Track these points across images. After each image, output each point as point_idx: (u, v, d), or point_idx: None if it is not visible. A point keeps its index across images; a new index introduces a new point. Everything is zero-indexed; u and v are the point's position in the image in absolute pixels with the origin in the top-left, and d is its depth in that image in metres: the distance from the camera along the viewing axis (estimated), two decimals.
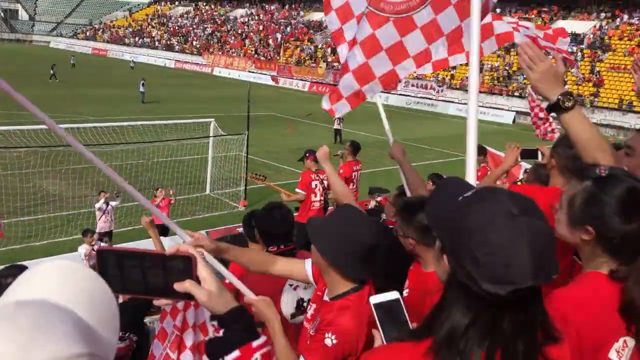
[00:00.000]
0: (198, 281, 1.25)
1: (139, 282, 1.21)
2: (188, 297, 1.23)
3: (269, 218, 3.25)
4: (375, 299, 1.48)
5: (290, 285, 2.94)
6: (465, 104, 40.49)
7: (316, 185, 8.64)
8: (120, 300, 7.32)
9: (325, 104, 4.06)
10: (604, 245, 1.63)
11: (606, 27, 43.48)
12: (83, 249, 8.74)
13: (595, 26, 44.17)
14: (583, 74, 39.33)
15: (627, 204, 1.58)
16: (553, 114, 2.11)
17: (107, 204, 10.74)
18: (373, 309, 1.47)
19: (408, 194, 3.62)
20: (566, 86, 4.13)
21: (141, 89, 32.23)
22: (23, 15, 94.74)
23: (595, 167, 1.71)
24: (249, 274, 2.93)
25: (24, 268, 3.62)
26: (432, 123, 33.98)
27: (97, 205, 10.74)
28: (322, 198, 8.75)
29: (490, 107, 39.73)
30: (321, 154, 3.36)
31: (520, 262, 1.09)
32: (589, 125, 2.06)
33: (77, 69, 50.06)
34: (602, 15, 44.94)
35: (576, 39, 43.28)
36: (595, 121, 34.70)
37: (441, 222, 1.26)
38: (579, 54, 41.53)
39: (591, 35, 43.04)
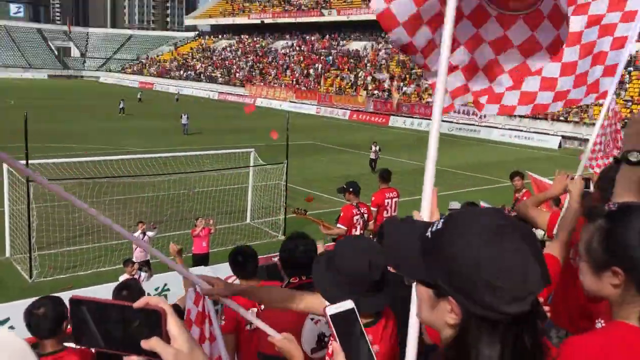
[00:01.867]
0: (167, 338, 1.13)
1: (105, 335, 1.12)
2: (155, 355, 1.12)
3: (291, 248, 3.17)
4: (331, 309, 1.41)
5: (312, 319, 2.85)
6: (510, 129, 39.90)
7: (357, 219, 8.53)
8: None
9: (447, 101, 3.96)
10: (637, 286, 1.44)
11: None
12: (123, 278, 8.81)
13: None
14: (632, 96, 38.14)
15: None
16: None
17: (144, 234, 10.90)
18: (329, 320, 1.39)
19: None
20: (606, 107, 3.99)
21: (184, 121, 32.97)
22: (75, 52, 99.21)
23: (600, 205, 1.58)
24: (269, 309, 2.87)
25: (56, 299, 3.62)
26: (476, 149, 33.47)
27: (135, 235, 10.89)
28: (362, 232, 8.65)
29: (535, 132, 38.92)
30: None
31: (533, 270, 1.07)
32: None
33: (144, 103, 51.79)
34: None
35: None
36: None
37: (426, 268, 1.15)
38: (627, 76, 40.42)
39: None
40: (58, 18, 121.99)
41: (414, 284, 1.23)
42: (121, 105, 42.46)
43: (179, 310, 4.19)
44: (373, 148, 23.66)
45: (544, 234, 7.59)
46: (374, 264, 2.09)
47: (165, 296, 9.87)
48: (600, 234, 1.49)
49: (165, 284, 9.87)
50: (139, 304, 1.14)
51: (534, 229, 4.77)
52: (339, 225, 8.50)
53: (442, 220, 1.17)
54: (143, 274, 8.94)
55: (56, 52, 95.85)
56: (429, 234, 1.16)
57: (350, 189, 8.74)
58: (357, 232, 8.57)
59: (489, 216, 1.12)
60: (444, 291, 1.12)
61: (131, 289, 4.06)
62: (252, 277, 4.39)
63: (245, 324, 4.09)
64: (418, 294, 1.22)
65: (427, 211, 2.09)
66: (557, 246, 2.83)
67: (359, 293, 2.03)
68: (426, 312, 1.20)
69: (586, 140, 38.34)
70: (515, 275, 1.06)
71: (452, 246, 1.10)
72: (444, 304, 1.13)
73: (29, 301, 3.66)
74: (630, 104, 37.78)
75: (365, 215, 8.60)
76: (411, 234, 1.20)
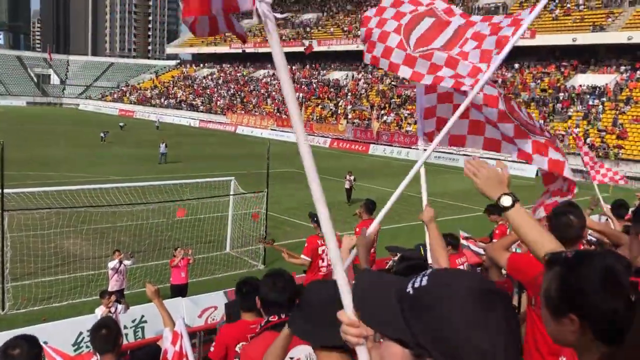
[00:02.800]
0: None
1: None
2: None
3: (270, 285, 3.13)
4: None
5: (291, 358, 2.82)
6: (488, 158, 40.36)
7: (323, 250, 8.43)
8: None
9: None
10: (593, 332, 1.45)
11: (625, 80, 43.44)
12: (100, 310, 8.64)
13: (616, 79, 44.16)
14: (606, 126, 39.06)
15: (604, 277, 1.43)
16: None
17: (121, 262, 10.74)
18: None
19: (429, 257, 3.72)
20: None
21: (162, 150, 32.34)
22: (55, 79, 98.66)
23: (558, 252, 1.60)
24: (251, 344, 2.84)
25: (32, 340, 3.53)
26: (454, 177, 33.80)
27: (111, 265, 10.75)
28: (330, 263, 8.57)
29: (513, 161, 39.45)
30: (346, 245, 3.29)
31: (515, 341, 1.08)
32: (532, 223, 2.30)
33: (124, 131, 51.30)
34: (622, 68, 45.00)
35: (596, 91, 43.24)
36: (623, 173, 34.11)
37: (407, 326, 1.09)
38: (600, 106, 41.38)
39: (612, 88, 42.98)
40: (38, 45, 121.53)
41: (366, 344, 1.16)
42: (102, 134, 42.02)
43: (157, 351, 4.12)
44: (347, 177, 23.07)
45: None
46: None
47: (142, 329, 9.69)
48: (557, 281, 1.50)
49: (143, 316, 9.70)
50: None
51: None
52: (302, 255, 8.42)
53: (424, 277, 1.13)
54: (120, 306, 8.76)
55: (35, 80, 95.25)
56: (409, 290, 1.12)
57: (316, 220, 8.70)
58: (324, 264, 8.48)
59: (474, 280, 1.10)
60: (424, 352, 1.06)
61: (110, 329, 3.96)
62: (246, 311, 4.29)
63: (234, 357, 4.03)
64: (386, 353, 1.14)
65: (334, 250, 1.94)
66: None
67: (321, 325, 2.04)
68: None
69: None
70: (500, 342, 1.04)
71: (441, 307, 1.06)
72: None
73: (1, 334, 3.57)
74: (604, 134, 38.61)
75: None
76: (386, 288, 1.16)
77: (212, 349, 4.01)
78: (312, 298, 2.17)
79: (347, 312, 1.54)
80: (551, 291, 1.51)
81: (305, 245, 8.49)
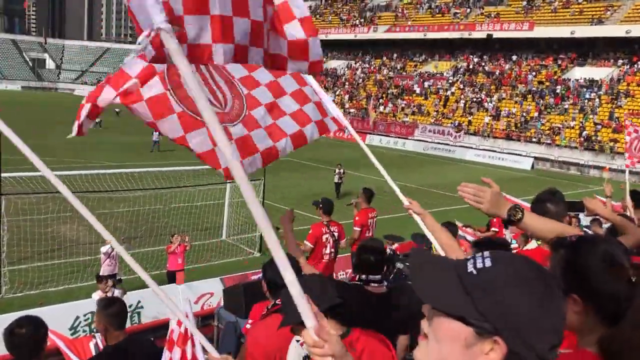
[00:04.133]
0: None
1: None
2: None
3: (276, 269, 3.17)
4: None
5: (297, 340, 2.86)
6: (484, 149, 40.47)
7: (327, 238, 8.52)
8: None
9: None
10: (596, 313, 1.52)
11: (623, 74, 43.51)
12: (97, 295, 8.68)
13: (613, 72, 44.22)
14: (602, 119, 39.18)
15: (604, 260, 1.52)
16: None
17: (113, 248, 10.76)
18: None
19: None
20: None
21: (154, 138, 32.13)
22: (50, 64, 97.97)
23: (564, 237, 1.68)
24: (256, 327, 2.88)
25: (38, 320, 3.58)
26: (450, 168, 33.88)
27: (104, 250, 10.78)
28: (333, 250, 8.64)
29: (509, 153, 39.59)
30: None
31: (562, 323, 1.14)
32: (542, 221, 2.35)
33: (120, 118, 50.95)
34: (620, 62, 45.05)
35: (593, 84, 43.32)
36: (615, 167, 34.33)
37: (473, 304, 1.11)
38: (597, 100, 41.47)
39: (609, 82, 43.05)
40: (34, 29, 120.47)
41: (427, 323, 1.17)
42: (98, 120, 41.71)
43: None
44: (337, 171, 22.14)
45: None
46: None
47: (138, 314, 9.74)
48: (561, 263, 1.58)
49: (139, 301, 9.75)
50: None
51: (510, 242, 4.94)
52: (305, 242, 8.49)
53: (486, 258, 1.16)
54: (117, 291, 8.80)
55: (30, 64, 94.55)
56: (472, 269, 1.14)
57: (321, 207, 8.75)
58: (327, 251, 8.56)
59: (534, 264, 1.16)
60: (487, 330, 1.09)
61: (122, 307, 4.04)
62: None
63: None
64: (441, 330, 1.15)
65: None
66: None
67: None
68: (451, 351, 1.13)
69: (558, 162, 38.90)
70: (559, 324, 1.11)
71: (509, 286, 1.10)
72: (483, 344, 1.10)
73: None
74: (600, 127, 38.73)
75: (336, 234, 8.60)
76: (444, 267, 1.19)
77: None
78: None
79: (311, 333, 1.52)
80: (556, 272, 1.59)
81: (310, 232, 8.56)
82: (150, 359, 3.69)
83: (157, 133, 32.15)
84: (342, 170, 22.17)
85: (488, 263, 1.14)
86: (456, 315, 1.11)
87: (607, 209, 3.84)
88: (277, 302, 3.10)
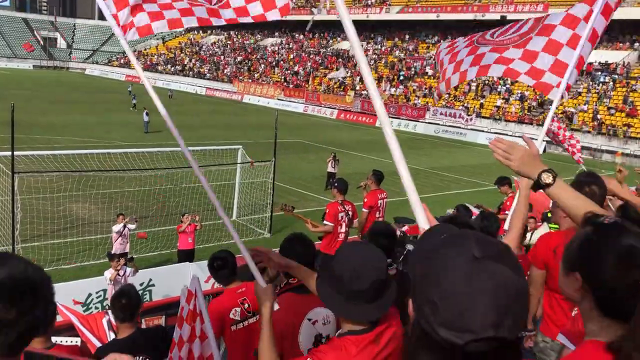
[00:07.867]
0: None
1: None
2: None
3: (290, 249, 3.19)
4: None
5: (309, 319, 2.88)
6: (496, 133, 40.22)
7: (342, 217, 8.58)
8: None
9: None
10: (593, 299, 1.48)
11: (638, 57, 42.81)
12: (109, 273, 8.78)
13: (628, 55, 43.53)
14: (616, 104, 38.69)
15: (622, 255, 1.42)
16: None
17: (125, 226, 10.89)
18: None
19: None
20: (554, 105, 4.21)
21: (145, 119, 30.65)
22: (61, 43, 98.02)
23: (599, 216, 1.61)
24: None
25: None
26: (461, 152, 33.71)
27: (116, 228, 10.91)
28: (347, 229, 8.69)
29: (521, 137, 39.24)
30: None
31: (477, 310, 1.04)
32: (574, 195, 2.17)
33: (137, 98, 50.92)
34: (636, 44, 44.32)
35: (608, 68, 42.72)
36: (629, 152, 33.96)
37: (411, 269, 1.22)
38: (611, 83, 40.93)
39: (623, 65, 42.41)
40: (45, 8, 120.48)
41: None
42: (134, 101, 40.97)
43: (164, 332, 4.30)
44: (331, 160, 19.39)
45: (530, 239, 7.67)
46: (361, 273, 2.03)
47: (150, 292, 9.86)
48: (581, 239, 1.54)
49: (150, 279, 9.87)
50: None
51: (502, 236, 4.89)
52: (325, 222, 8.53)
53: (445, 236, 1.24)
54: (129, 269, 8.89)
55: (42, 43, 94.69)
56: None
57: (336, 186, 8.79)
58: (343, 230, 8.61)
59: (481, 249, 1.12)
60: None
61: (131, 298, 4.10)
62: (228, 283, 4.48)
63: (230, 324, 4.12)
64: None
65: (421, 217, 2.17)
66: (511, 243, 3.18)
67: (348, 300, 2.04)
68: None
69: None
70: (452, 302, 1.07)
71: (431, 258, 1.17)
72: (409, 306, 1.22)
73: None
74: (613, 111, 38.27)
75: (350, 213, 8.65)
76: (433, 242, 1.26)
77: None
78: (338, 267, 2.08)
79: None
80: (573, 244, 1.56)
81: (327, 211, 8.59)
82: (159, 352, 3.77)
83: (146, 113, 30.05)
84: (336, 159, 19.61)
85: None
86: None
87: (625, 190, 3.77)
88: (290, 281, 3.11)
